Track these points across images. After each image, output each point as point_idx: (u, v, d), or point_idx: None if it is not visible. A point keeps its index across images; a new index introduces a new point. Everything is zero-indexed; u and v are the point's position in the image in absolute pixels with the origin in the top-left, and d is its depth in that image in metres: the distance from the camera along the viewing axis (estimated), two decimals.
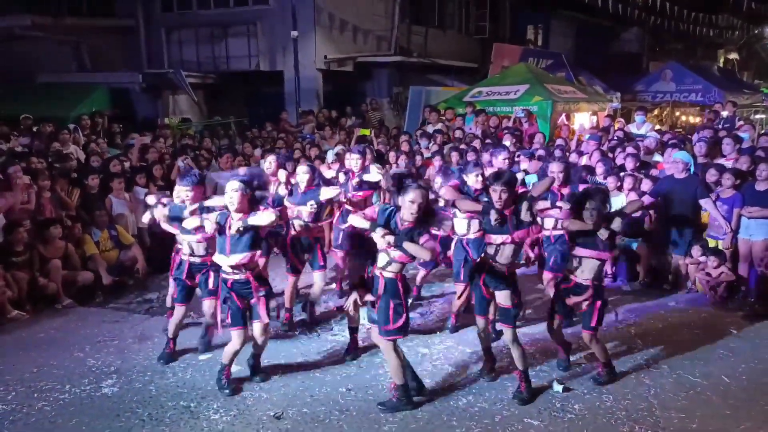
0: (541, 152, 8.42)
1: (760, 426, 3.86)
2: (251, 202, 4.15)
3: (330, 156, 8.52)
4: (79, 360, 4.97)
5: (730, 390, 4.34)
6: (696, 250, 6.34)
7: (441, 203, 5.18)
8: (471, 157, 8.38)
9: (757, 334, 5.34)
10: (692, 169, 6.73)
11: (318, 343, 5.24)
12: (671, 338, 5.23)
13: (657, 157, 8.26)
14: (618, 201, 6.90)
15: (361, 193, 6.06)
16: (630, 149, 7.83)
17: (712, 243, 6.45)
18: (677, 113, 17.05)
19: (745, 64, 28.93)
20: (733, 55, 28.93)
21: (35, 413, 4.13)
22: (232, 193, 4.09)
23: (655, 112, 16.99)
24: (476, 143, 9.08)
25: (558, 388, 4.34)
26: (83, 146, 8.96)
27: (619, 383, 4.40)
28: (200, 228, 4.36)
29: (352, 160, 6.15)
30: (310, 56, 13.51)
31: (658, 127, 15.44)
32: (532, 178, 7.64)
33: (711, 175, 6.58)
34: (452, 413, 4.05)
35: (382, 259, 3.94)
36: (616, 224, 4.15)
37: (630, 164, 7.42)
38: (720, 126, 10.51)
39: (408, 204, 3.78)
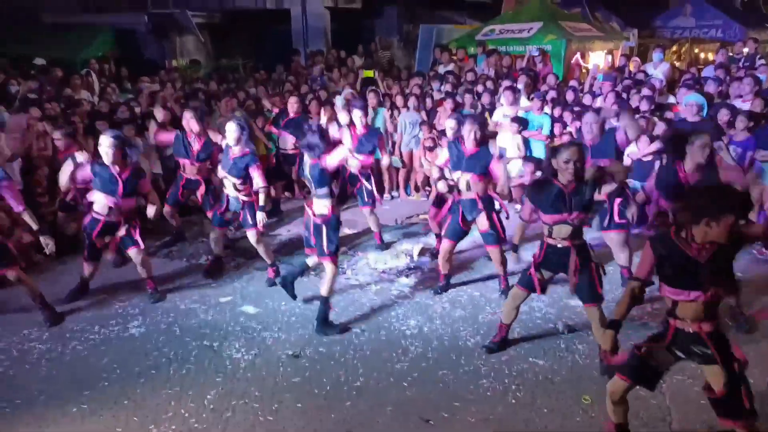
0: (552, 94, 8.34)
1: None
2: None
3: (339, 102, 8.47)
4: (105, 302, 5.22)
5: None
6: None
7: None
8: (486, 99, 8.32)
9: (762, 279, 5.44)
10: (705, 112, 6.66)
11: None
12: None
13: (672, 99, 8.15)
14: (630, 146, 6.90)
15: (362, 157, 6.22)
16: (645, 91, 7.72)
17: None
18: (696, 50, 16.55)
19: None
20: None
21: (69, 352, 4.39)
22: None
23: (674, 48, 16.49)
24: (488, 83, 8.97)
25: (563, 329, 4.52)
26: (100, 91, 8.95)
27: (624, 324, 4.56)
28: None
29: (355, 116, 6.24)
30: None
31: (677, 63, 15.14)
32: (542, 120, 7.63)
33: (723, 115, 6.53)
34: (461, 352, 4.25)
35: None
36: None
37: (644, 106, 7.35)
38: (740, 64, 10.26)
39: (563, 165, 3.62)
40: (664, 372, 2.99)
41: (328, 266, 4.54)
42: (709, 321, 2.78)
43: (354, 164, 6.20)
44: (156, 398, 3.79)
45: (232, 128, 5.20)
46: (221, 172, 5.45)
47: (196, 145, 6.10)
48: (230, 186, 5.39)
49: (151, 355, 4.33)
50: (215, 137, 6.16)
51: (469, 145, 4.87)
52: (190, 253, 6.46)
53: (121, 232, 5.09)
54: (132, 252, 5.15)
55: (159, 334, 4.63)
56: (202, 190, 6.28)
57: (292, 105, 7.54)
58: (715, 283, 2.72)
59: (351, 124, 6.38)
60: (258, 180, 5.27)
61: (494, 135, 5.19)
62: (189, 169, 6.18)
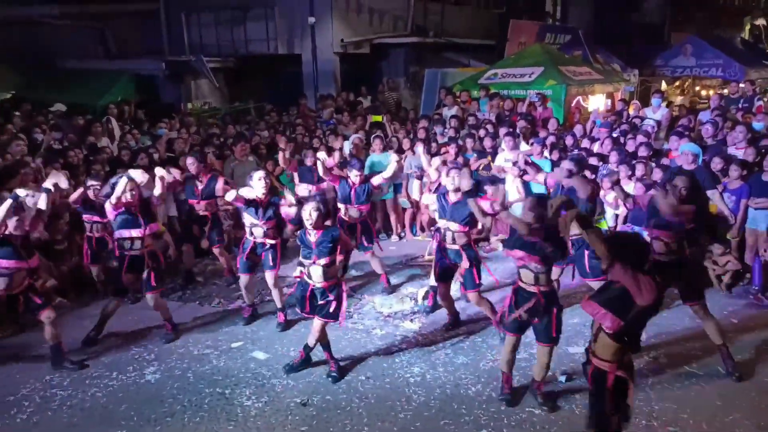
0: (551, 139, 8.62)
1: (746, 417, 4.18)
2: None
3: (347, 148, 8.78)
4: (123, 347, 5.46)
5: (724, 381, 4.64)
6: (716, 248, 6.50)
7: None
8: (488, 143, 8.62)
9: (757, 324, 5.60)
10: (700, 160, 6.91)
11: (339, 332, 5.64)
12: (672, 328, 5.51)
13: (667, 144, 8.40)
14: (629, 189, 7.12)
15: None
16: (641, 137, 7.99)
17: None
18: (697, 87, 16.88)
19: None
20: (760, 21, 28.07)
21: (89, 399, 4.62)
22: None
23: (677, 83, 16.84)
24: (489, 127, 9.28)
25: (561, 378, 4.70)
26: (120, 137, 9.34)
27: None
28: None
29: (352, 174, 6.47)
30: (327, 40, 13.65)
31: (680, 99, 15.44)
32: (542, 164, 7.87)
33: (716, 164, 6.78)
34: (462, 401, 4.44)
35: None
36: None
37: (643, 152, 7.59)
38: (739, 105, 10.52)
39: None
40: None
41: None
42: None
43: (354, 214, 6.49)
44: None
45: (259, 176, 5.57)
46: (249, 219, 5.68)
47: (200, 185, 6.70)
48: (260, 233, 5.69)
49: (167, 402, 4.54)
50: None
51: (451, 195, 5.21)
52: (203, 296, 6.71)
53: (144, 274, 5.38)
54: (149, 297, 5.46)
55: (174, 381, 4.85)
56: (209, 225, 6.80)
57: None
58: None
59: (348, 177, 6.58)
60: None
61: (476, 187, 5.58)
62: (197, 208, 6.78)
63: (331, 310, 4.65)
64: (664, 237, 4.95)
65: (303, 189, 7.69)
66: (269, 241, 5.69)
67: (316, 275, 4.66)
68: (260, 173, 5.61)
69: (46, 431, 4.22)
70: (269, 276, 5.73)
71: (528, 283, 4.19)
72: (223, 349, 5.39)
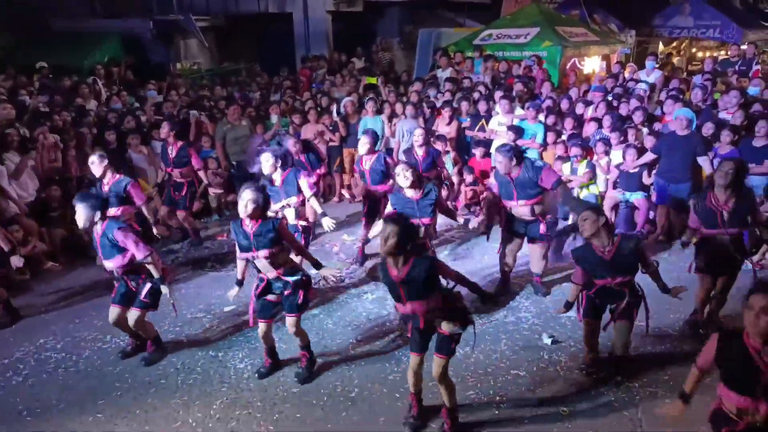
0: (547, 103, 8.55)
1: None
2: None
3: (335, 111, 8.69)
4: None
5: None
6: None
7: None
8: (482, 106, 8.53)
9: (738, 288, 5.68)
10: (694, 125, 6.88)
11: (331, 294, 5.71)
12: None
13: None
14: (616, 155, 7.14)
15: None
16: (634, 102, 7.94)
17: None
18: (694, 49, 16.70)
19: None
20: None
21: (83, 361, 4.70)
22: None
23: (673, 44, 16.63)
24: (482, 89, 9.18)
25: (547, 340, 4.80)
26: (106, 99, 9.20)
27: (604, 336, 4.82)
28: None
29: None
30: None
31: (677, 59, 15.25)
32: (536, 129, 7.84)
33: (707, 128, 6.76)
34: (450, 363, 4.51)
35: None
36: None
37: (638, 118, 7.55)
38: (737, 68, 10.41)
39: None
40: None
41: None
42: None
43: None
44: (165, 408, 4.09)
45: (266, 158, 5.28)
46: (273, 206, 5.13)
47: (172, 153, 6.75)
48: (290, 214, 5.39)
49: (160, 365, 4.62)
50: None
51: (408, 191, 5.03)
52: (195, 260, 6.75)
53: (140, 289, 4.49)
54: (134, 312, 4.54)
55: (167, 343, 4.91)
56: (184, 190, 6.87)
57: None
58: None
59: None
60: (305, 189, 5.34)
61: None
62: (173, 175, 6.87)
63: (299, 302, 4.18)
64: None
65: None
66: (302, 223, 5.47)
67: (263, 267, 4.19)
68: (268, 155, 5.32)
69: (41, 393, 4.30)
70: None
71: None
72: (216, 312, 5.46)
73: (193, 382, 4.39)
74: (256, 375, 4.42)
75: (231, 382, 4.38)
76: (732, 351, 2.67)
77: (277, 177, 5.34)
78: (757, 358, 2.59)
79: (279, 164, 5.32)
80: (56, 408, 4.14)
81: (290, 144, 6.60)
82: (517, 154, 5.15)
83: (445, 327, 3.61)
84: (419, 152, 6.44)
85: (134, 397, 4.22)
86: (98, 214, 4.31)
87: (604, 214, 4.05)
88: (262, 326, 4.31)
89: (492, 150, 7.69)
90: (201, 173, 6.99)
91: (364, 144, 6.25)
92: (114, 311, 4.52)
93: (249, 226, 4.07)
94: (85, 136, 7.37)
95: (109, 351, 4.85)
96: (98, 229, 4.34)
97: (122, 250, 4.34)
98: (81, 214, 4.29)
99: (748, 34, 14.57)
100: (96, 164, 5.56)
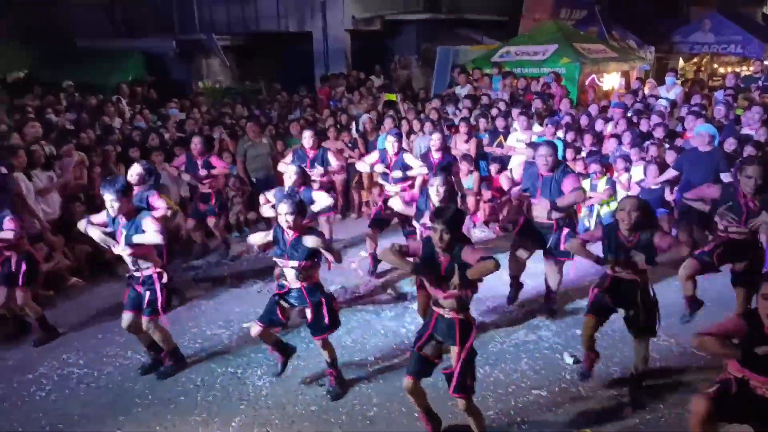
0: (566, 119, 8.53)
1: None
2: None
3: (354, 128, 8.75)
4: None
5: None
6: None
7: None
8: (500, 123, 8.53)
9: None
10: (716, 141, 6.80)
11: (350, 312, 5.70)
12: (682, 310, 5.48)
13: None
14: (637, 172, 7.07)
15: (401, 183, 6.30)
16: (655, 118, 7.88)
17: None
18: (715, 65, 16.55)
19: None
20: None
21: (105, 377, 4.74)
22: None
23: (694, 60, 16.51)
24: (501, 106, 9.19)
25: (569, 359, 4.73)
26: (130, 117, 9.39)
27: (626, 355, 4.74)
28: None
29: (388, 144, 6.37)
30: (338, 16, 13.55)
31: (699, 74, 15.08)
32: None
33: (729, 144, 6.68)
34: None
35: None
36: None
37: (659, 133, 7.49)
38: (760, 83, 10.29)
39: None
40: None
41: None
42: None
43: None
44: (185, 425, 4.10)
45: (292, 170, 5.41)
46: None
47: (200, 165, 6.90)
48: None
49: (180, 381, 4.64)
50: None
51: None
52: (216, 275, 6.80)
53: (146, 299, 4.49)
54: (144, 320, 4.54)
55: (187, 360, 4.94)
56: (212, 200, 7.00)
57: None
58: None
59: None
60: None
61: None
62: (200, 187, 6.97)
63: (326, 322, 4.23)
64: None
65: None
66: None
67: (289, 276, 4.27)
68: (292, 167, 5.48)
69: (63, 408, 4.34)
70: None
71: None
72: (235, 329, 5.48)
73: (212, 399, 4.40)
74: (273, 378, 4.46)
75: (250, 399, 4.38)
76: (755, 335, 2.98)
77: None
78: None
79: (301, 179, 5.43)
80: (77, 423, 4.17)
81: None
82: (554, 154, 5.18)
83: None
84: (435, 156, 6.53)
85: (154, 413, 4.24)
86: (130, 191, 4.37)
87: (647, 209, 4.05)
88: (256, 328, 4.31)
89: (510, 165, 7.69)
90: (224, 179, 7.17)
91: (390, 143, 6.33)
92: (127, 317, 4.60)
93: (289, 234, 4.15)
94: (110, 153, 7.52)
95: (131, 367, 4.88)
96: (121, 220, 4.35)
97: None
98: (110, 199, 4.23)
99: None
100: (132, 174, 5.59)
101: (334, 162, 6.68)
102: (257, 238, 4.40)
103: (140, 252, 4.40)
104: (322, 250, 4.15)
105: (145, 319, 4.52)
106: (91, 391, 4.56)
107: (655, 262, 3.93)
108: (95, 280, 6.66)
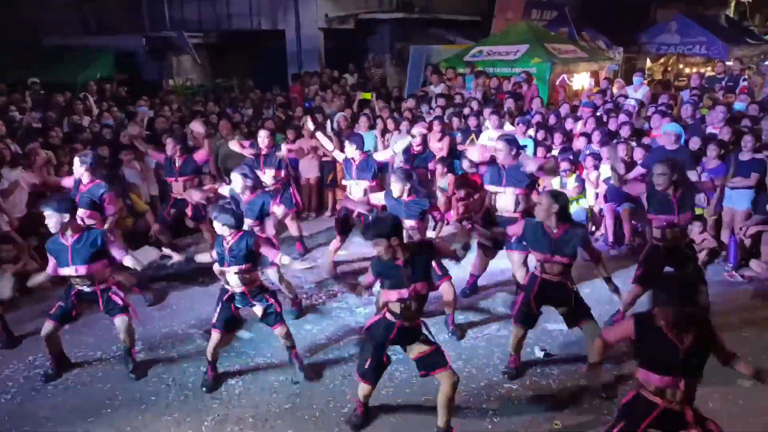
0: (537, 118, 8.65)
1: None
2: None
3: (329, 126, 8.73)
4: (106, 327, 5.41)
5: None
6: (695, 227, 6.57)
7: None
8: (473, 122, 8.62)
9: (727, 301, 5.73)
10: (683, 140, 6.98)
11: (324, 309, 5.71)
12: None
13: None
14: (606, 169, 7.20)
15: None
16: (623, 117, 8.05)
17: (698, 211, 6.76)
18: (681, 65, 16.97)
19: (756, 8, 28.14)
20: None
21: (73, 378, 4.66)
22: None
23: (661, 60, 16.90)
24: (474, 105, 9.27)
25: (539, 353, 4.81)
26: (97, 115, 9.20)
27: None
28: None
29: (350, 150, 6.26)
30: (312, 15, 13.50)
31: (659, 77, 15.46)
32: (525, 143, 7.90)
33: (694, 143, 6.87)
34: None
35: None
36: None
37: (625, 132, 7.66)
38: (723, 84, 10.58)
39: None
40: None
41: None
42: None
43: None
44: (157, 424, 4.06)
45: (237, 179, 5.27)
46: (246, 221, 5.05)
47: (178, 163, 6.63)
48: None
49: (151, 381, 4.59)
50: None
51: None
52: (187, 275, 6.71)
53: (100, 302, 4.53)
54: (118, 320, 4.57)
55: (158, 360, 4.88)
56: (189, 207, 6.68)
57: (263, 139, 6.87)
58: None
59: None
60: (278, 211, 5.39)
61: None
62: (175, 187, 6.65)
63: (277, 311, 4.40)
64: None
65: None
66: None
67: (232, 281, 4.36)
68: (237, 175, 5.32)
69: (31, 411, 4.25)
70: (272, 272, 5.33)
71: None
72: (208, 328, 5.40)
73: (184, 398, 4.36)
74: (203, 389, 4.42)
75: (222, 398, 4.35)
76: (648, 333, 2.98)
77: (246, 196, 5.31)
78: (671, 335, 2.90)
79: (250, 185, 5.29)
80: (45, 426, 4.09)
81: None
82: (517, 146, 5.36)
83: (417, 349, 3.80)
84: (416, 148, 6.81)
85: (124, 414, 4.18)
86: (66, 216, 4.32)
87: (563, 202, 4.18)
88: (216, 336, 4.37)
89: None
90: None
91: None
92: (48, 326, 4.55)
93: (228, 240, 4.25)
94: (78, 152, 7.35)
95: (100, 368, 4.80)
96: (69, 234, 4.36)
97: (99, 257, 4.39)
98: (51, 218, 4.31)
99: (733, 51, 14.86)
100: (76, 166, 5.56)
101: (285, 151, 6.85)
102: (205, 258, 4.59)
103: (94, 270, 4.46)
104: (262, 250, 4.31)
105: (116, 320, 4.56)
106: (58, 393, 4.47)
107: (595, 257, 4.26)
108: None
